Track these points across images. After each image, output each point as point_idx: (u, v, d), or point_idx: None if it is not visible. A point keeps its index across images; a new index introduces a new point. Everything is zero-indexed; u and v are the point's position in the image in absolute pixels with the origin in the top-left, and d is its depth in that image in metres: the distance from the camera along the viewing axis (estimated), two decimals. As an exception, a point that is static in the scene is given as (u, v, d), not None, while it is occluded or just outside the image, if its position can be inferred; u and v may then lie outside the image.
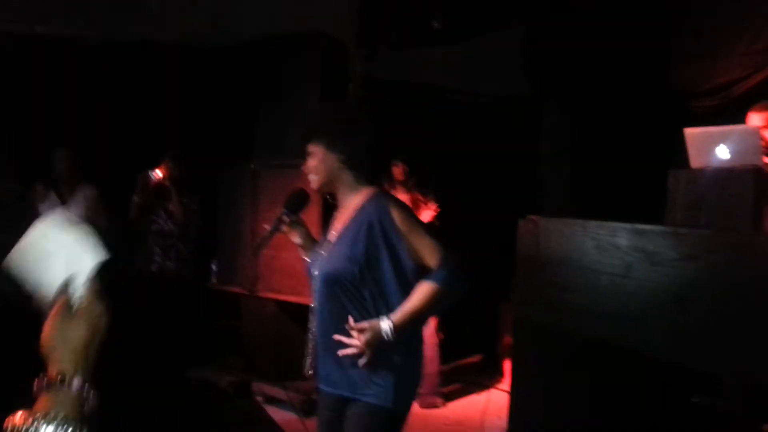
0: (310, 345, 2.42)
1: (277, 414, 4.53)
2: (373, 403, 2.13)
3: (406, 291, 2.13)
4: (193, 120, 5.28)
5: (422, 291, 2.09)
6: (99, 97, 5.05)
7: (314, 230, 2.61)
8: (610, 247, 3.07)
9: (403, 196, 4.66)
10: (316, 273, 2.26)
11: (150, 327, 4.83)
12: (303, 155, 4.81)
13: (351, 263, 2.12)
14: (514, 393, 3.66)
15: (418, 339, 2.30)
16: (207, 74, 5.31)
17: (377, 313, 2.12)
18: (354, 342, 2.07)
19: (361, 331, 2.07)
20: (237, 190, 5.04)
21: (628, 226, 3.22)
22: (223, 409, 4.66)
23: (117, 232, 5.08)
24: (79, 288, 0.96)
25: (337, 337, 2.12)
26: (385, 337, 2.06)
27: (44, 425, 0.83)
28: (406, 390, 2.20)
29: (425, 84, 5.87)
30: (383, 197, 2.23)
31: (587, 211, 5.07)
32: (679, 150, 3.33)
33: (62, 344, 0.92)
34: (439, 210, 4.68)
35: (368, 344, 2.05)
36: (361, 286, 2.14)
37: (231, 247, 5.10)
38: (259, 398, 4.76)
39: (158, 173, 4.90)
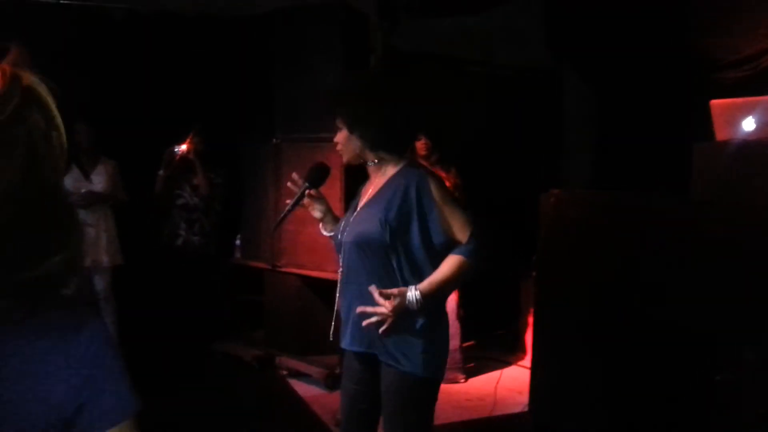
0: (335, 312, 2.44)
1: (301, 387, 4.60)
2: (406, 371, 2.15)
3: (433, 262, 2.15)
4: (214, 93, 5.30)
5: (451, 263, 2.12)
6: (120, 69, 5.07)
7: (336, 206, 2.61)
8: (631, 220, 3.06)
9: (424, 172, 4.65)
10: (345, 239, 2.26)
11: (175, 301, 4.91)
12: (326, 129, 4.81)
13: (382, 227, 2.12)
14: (535, 369, 3.67)
15: (443, 310, 2.33)
16: (227, 46, 5.30)
17: (404, 282, 2.13)
18: (380, 309, 2.08)
19: (388, 297, 2.08)
20: (260, 165, 5.06)
21: (650, 198, 3.20)
22: (247, 383, 4.73)
23: (142, 207, 5.15)
24: None
25: (360, 309, 2.13)
26: (412, 305, 2.08)
27: None
28: (436, 358, 2.22)
29: (446, 55, 5.83)
30: (419, 167, 2.26)
31: (610, 183, 5.04)
32: (704, 122, 3.28)
33: None
34: (459, 184, 4.64)
35: (394, 311, 2.07)
36: (390, 253, 2.14)
37: (254, 222, 5.14)
38: (284, 372, 4.83)
39: (183, 147, 4.95)
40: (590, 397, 3.20)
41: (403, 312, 2.08)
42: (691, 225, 2.92)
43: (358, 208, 2.31)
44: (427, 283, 2.11)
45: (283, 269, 4.83)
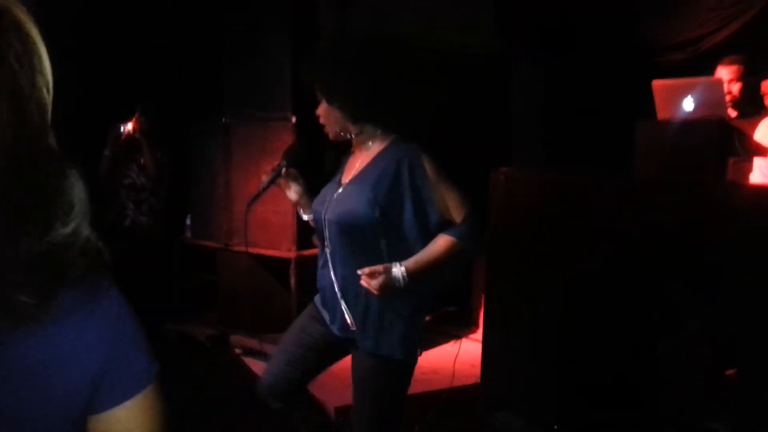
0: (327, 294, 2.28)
1: (256, 366, 4.60)
2: (380, 355, 2.08)
3: (425, 243, 2.05)
4: (161, 72, 5.20)
5: (441, 243, 2.02)
6: (63, 43, 4.92)
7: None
8: (577, 198, 3.15)
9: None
10: (329, 216, 2.13)
11: (125, 282, 4.84)
12: (276, 108, 4.77)
13: (371, 205, 2.01)
14: (486, 342, 3.76)
15: (430, 293, 2.21)
16: (175, 23, 5.21)
17: (392, 258, 2.03)
18: (365, 286, 2.00)
19: (373, 274, 1.98)
20: (209, 144, 5.00)
21: (595, 176, 3.30)
22: (201, 362, 4.72)
23: (87, 187, 5.04)
24: None
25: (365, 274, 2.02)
26: (398, 282, 1.99)
27: None
28: (413, 342, 2.14)
29: (396, 37, 5.84)
30: (412, 144, 2.14)
31: (559, 162, 5.17)
32: (647, 103, 3.39)
33: None
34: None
35: (381, 288, 1.98)
36: (377, 232, 2.04)
37: (205, 201, 5.09)
38: (238, 351, 4.83)
39: (129, 126, 4.85)
40: (539, 371, 3.30)
41: (389, 290, 1.99)
42: (633, 202, 3.03)
43: (343, 184, 2.18)
44: (413, 261, 2.01)
45: (236, 248, 4.81)
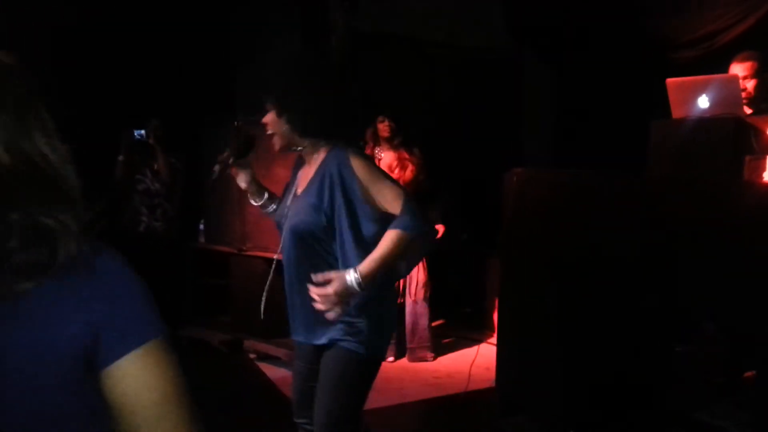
0: (265, 296, 2.51)
1: (270, 370, 4.61)
2: (347, 348, 2.13)
3: (370, 241, 2.08)
4: (174, 76, 5.22)
5: (388, 238, 2.04)
6: (76, 50, 4.96)
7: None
8: (591, 198, 3.13)
9: (388, 154, 4.66)
10: (285, 227, 2.24)
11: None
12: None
13: (318, 214, 2.10)
14: (501, 345, 3.74)
15: (390, 286, 2.30)
16: (186, 27, 5.23)
17: (345, 266, 2.07)
18: (323, 296, 2.00)
19: (327, 282, 2.00)
20: (221, 147, 5.00)
21: (608, 176, 3.27)
22: (216, 367, 4.72)
23: (102, 192, 5.06)
24: None
25: (312, 288, 2.05)
26: (353, 287, 2.01)
27: None
28: (379, 337, 2.19)
29: (406, 37, 5.84)
30: (343, 148, 2.16)
31: (571, 161, 5.13)
32: (661, 101, 3.36)
33: None
34: (423, 165, 4.66)
35: (337, 294, 1.99)
36: (329, 238, 2.12)
37: (218, 206, 5.10)
38: (252, 355, 4.83)
39: (142, 132, 4.88)
40: (555, 374, 3.27)
41: (348, 295, 2.01)
42: (648, 202, 3.00)
43: (296, 195, 2.27)
44: (366, 263, 2.03)
45: (249, 253, 4.81)
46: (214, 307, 5.31)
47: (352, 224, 2.09)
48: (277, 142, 2.24)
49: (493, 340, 4.87)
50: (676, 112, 3.24)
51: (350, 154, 2.12)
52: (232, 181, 4.96)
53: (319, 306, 2.02)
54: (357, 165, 2.10)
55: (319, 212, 2.09)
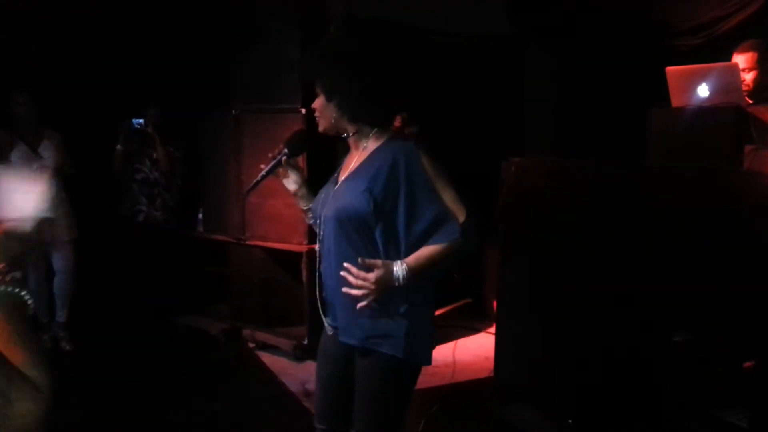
0: (319, 292, 2.22)
1: (269, 359, 4.62)
2: (385, 353, 2.02)
3: (420, 241, 1.99)
4: (170, 64, 5.19)
5: (442, 244, 1.97)
6: (72, 38, 4.93)
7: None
8: (590, 187, 3.11)
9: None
10: (325, 213, 2.09)
11: (138, 276, 4.86)
12: (285, 99, 4.73)
13: (367, 200, 1.96)
14: (500, 334, 3.74)
15: (431, 289, 2.13)
16: (182, 14, 5.19)
17: (386, 258, 1.98)
18: (361, 282, 1.94)
19: (371, 268, 1.94)
20: (219, 136, 4.98)
21: (607, 165, 3.25)
22: (215, 356, 4.73)
23: (101, 182, 5.05)
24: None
25: (345, 290, 1.98)
26: (397, 279, 1.95)
27: None
28: (419, 341, 2.06)
29: (406, 24, 5.79)
30: (410, 140, 2.07)
31: (571, 150, 5.11)
32: (661, 90, 3.34)
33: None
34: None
35: (377, 283, 1.93)
36: (373, 228, 1.99)
37: (216, 195, 5.08)
38: (251, 344, 4.84)
39: (141, 121, 4.86)
40: (554, 363, 3.27)
41: (386, 287, 1.95)
42: (647, 191, 2.99)
43: (339, 182, 2.13)
44: (414, 258, 1.97)
45: (248, 242, 4.81)
46: (212, 296, 5.30)
47: (407, 219, 1.98)
48: (321, 125, 2.11)
49: (492, 329, 4.88)
50: (676, 101, 3.23)
51: (419, 150, 2.01)
52: (228, 168, 4.97)
53: (352, 291, 1.96)
54: (426, 163, 2.00)
55: (368, 198, 1.96)
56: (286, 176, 2.25)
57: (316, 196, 2.22)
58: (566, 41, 5.84)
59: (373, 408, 2.08)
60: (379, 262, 1.95)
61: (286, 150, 2.19)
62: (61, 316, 4.71)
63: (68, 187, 4.65)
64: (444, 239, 1.97)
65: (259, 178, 2.21)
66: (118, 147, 4.90)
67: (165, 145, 4.97)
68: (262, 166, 2.23)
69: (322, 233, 2.12)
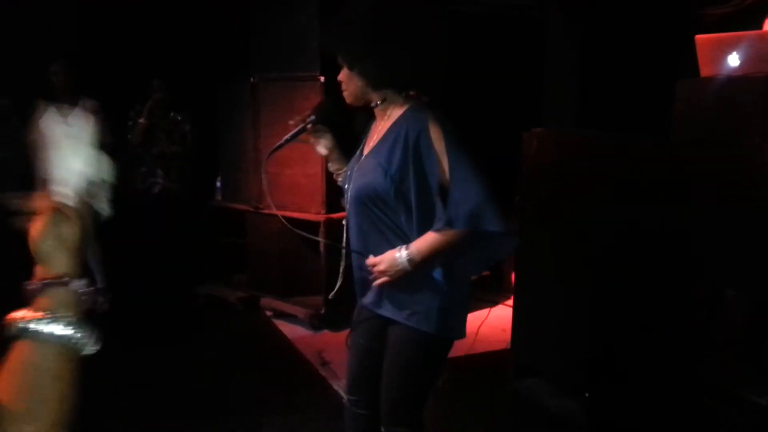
0: (342, 265, 2.20)
1: (286, 328, 4.64)
2: (414, 327, 1.99)
3: (428, 221, 1.92)
4: (190, 33, 5.16)
5: (450, 230, 1.89)
6: (95, 10, 4.92)
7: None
8: (613, 159, 3.05)
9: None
10: (349, 191, 2.05)
11: (157, 245, 4.88)
12: (304, 67, 4.67)
13: (384, 177, 1.91)
14: (517, 307, 3.72)
15: (466, 264, 2.06)
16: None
17: (412, 234, 1.94)
18: (375, 269, 1.95)
19: (375, 265, 1.95)
20: (237, 105, 4.95)
21: (630, 137, 3.18)
22: (233, 324, 4.76)
23: (118, 154, 5.05)
24: (70, 193, 0.94)
25: (369, 261, 1.97)
26: (403, 266, 1.91)
27: (49, 323, 0.81)
28: (450, 316, 2.02)
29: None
30: (423, 109, 1.98)
31: (594, 122, 5.02)
32: (688, 61, 3.24)
33: (59, 245, 0.89)
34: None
35: (386, 272, 1.93)
36: (396, 205, 1.94)
37: (234, 164, 5.07)
38: (269, 313, 4.86)
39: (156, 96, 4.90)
40: (571, 337, 3.25)
41: (396, 271, 1.92)
42: (672, 164, 2.92)
43: (363, 156, 2.09)
44: (419, 242, 1.91)
45: (265, 211, 4.80)
46: (231, 265, 5.32)
47: (420, 197, 1.91)
48: (348, 97, 2.06)
49: (510, 302, 4.86)
50: (705, 71, 3.13)
51: (430, 118, 1.92)
52: (246, 137, 4.94)
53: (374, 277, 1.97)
54: (436, 134, 1.89)
55: (386, 175, 1.91)
56: (316, 142, 2.20)
57: (347, 170, 2.17)
58: (591, 9, 5.70)
59: (401, 381, 2.07)
60: (378, 259, 1.94)
61: (313, 117, 2.14)
62: (100, 282, 4.78)
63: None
64: (443, 225, 1.88)
65: (282, 141, 2.15)
66: (141, 120, 4.92)
67: (178, 115, 5.00)
68: (291, 123, 2.17)
69: (348, 208, 2.09)
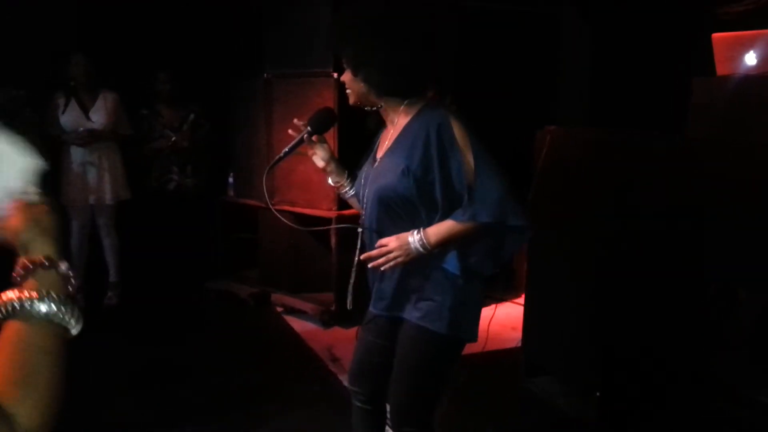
0: (354, 274, 2.17)
1: (296, 324, 4.65)
2: (425, 327, 1.99)
3: (453, 209, 1.91)
4: (204, 27, 5.18)
5: (469, 223, 1.88)
6: (112, 5, 4.95)
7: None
8: (626, 158, 3.03)
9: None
10: (366, 191, 2.04)
11: (169, 240, 4.90)
12: (317, 64, 4.66)
13: (405, 176, 1.90)
14: (528, 305, 3.70)
15: (479, 266, 2.03)
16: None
17: None
18: (376, 251, 1.94)
19: (387, 244, 1.93)
20: (250, 101, 4.96)
21: (644, 135, 3.16)
22: (244, 320, 4.78)
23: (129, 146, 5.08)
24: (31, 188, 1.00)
25: (364, 256, 1.97)
26: (415, 248, 1.90)
27: (37, 303, 0.85)
28: (463, 317, 2.01)
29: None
30: (443, 107, 1.97)
31: (608, 120, 4.99)
32: (703, 60, 3.22)
33: (39, 231, 0.95)
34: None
35: (395, 251, 1.91)
36: (418, 205, 1.92)
37: (246, 160, 5.08)
38: (279, 309, 4.87)
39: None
40: (583, 336, 3.24)
41: (407, 255, 1.91)
42: (688, 163, 2.90)
43: (378, 158, 2.07)
44: (435, 227, 1.91)
45: (277, 207, 4.81)
46: (243, 261, 5.34)
47: (446, 191, 1.90)
48: (351, 98, 2.05)
49: (520, 299, 4.84)
50: (721, 69, 3.10)
51: (450, 115, 1.91)
52: (259, 133, 4.95)
53: (377, 262, 1.94)
54: (458, 130, 1.89)
55: (407, 175, 1.89)
56: (313, 153, 2.20)
57: (358, 175, 2.16)
58: (605, 6, 5.67)
59: (411, 381, 2.06)
60: (392, 237, 1.93)
61: (308, 128, 2.14)
62: (112, 275, 4.87)
63: (122, 148, 4.76)
64: (463, 217, 1.88)
65: (281, 154, 2.15)
66: (143, 111, 4.96)
67: (179, 109, 5.05)
68: (291, 132, 2.18)
69: (364, 212, 2.08)
